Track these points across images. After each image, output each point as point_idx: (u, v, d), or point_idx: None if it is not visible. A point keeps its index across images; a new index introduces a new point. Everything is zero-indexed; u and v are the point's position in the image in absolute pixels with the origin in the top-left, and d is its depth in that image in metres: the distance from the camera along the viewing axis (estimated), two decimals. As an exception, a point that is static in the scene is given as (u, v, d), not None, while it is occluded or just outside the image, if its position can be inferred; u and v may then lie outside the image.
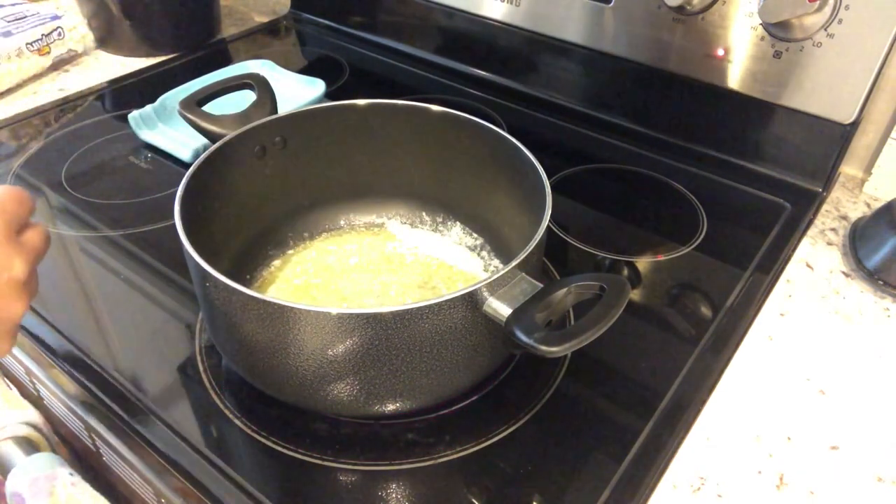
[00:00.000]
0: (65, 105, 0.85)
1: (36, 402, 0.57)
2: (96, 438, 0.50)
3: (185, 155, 0.74)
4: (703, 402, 0.50)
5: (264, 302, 0.40)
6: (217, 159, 0.52)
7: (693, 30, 0.71)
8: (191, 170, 0.49)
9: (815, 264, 0.64)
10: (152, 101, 0.80)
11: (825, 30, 0.64)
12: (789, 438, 0.48)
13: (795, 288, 0.61)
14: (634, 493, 0.44)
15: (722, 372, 0.53)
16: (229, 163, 0.54)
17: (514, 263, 0.42)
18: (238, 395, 0.50)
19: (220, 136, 0.54)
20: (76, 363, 0.52)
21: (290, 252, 0.60)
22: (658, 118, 0.79)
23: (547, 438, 0.48)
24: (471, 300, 0.41)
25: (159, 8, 0.95)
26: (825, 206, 0.71)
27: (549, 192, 0.48)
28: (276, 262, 0.59)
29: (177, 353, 0.54)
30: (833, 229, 0.68)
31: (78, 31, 0.95)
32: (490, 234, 0.61)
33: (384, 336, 0.40)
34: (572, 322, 0.55)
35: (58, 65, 0.93)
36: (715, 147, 0.76)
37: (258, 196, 0.58)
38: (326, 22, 1.04)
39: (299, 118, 0.58)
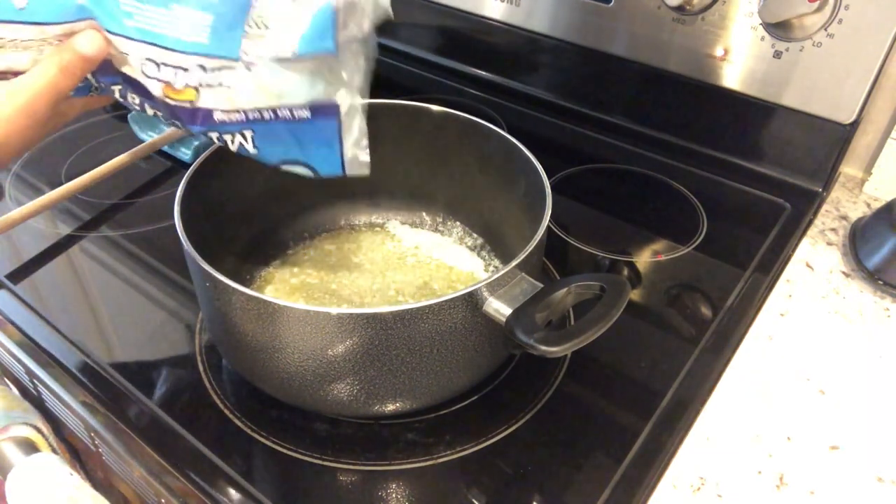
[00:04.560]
0: (65, 105, 0.85)
1: (36, 402, 0.57)
2: (96, 438, 0.50)
3: (185, 155, 0.74)
4: (703, 402, 0.50)
5: (264, 302, 0.40)
6: (217, 159, 0.52)
7: (693, 30, 0.71)
8: (191, 170, 0.49)
9: (815, 264, 0.64)
10: (152, 101, 0.80)
11: (825, 30, 0.64)
12: (789, 438, 0.48)
13: (795, 288, 0.61)
14: (634, 493, 0.44)
15: (722, 372, 0.53)
16: (229, 163, 0.54)
17: (514, 263, 0.42)
18: (238, 395, 0.50)
19: (220, 136, 0.53)
20: (76, 363, 0.52)
21: (290, 252, 0.60)
22: (658, 118, 0.79)
23: (547, 438, 0.48)
24: (471, 300, 0.41)
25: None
26: (825, 206, 0.71)
27: (549, 192, 0.48)
28: (276, 262, 0.59)
29: (177, 353, 0.54)
30: (833, 229, 0.68)
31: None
32: (490, 234, 0.61)
33: (384, 336, 0.40)
34: (572, 322, 0.55)
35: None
36: (715, 147, 0.76)
37: (258, 196, 0.58)
38: (326, 22, 1.04)
39: (299, 118, 0.58)
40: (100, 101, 0.47)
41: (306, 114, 0.43)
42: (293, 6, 0.40)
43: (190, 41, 0.39)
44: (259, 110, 0.42)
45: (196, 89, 0.41)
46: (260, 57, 0.40)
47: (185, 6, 0.39)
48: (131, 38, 0.40)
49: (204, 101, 0.42)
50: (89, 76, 0.43)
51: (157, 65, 0.41)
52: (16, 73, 0.41)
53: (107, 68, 0.42)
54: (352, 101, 0.44)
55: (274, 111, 0.42)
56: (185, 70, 0.40)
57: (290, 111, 0.42)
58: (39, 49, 0.40)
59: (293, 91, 0.42)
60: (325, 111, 0.43)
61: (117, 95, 0.44)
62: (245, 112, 0.42)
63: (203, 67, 0.40)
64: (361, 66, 0.44)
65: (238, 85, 0.41)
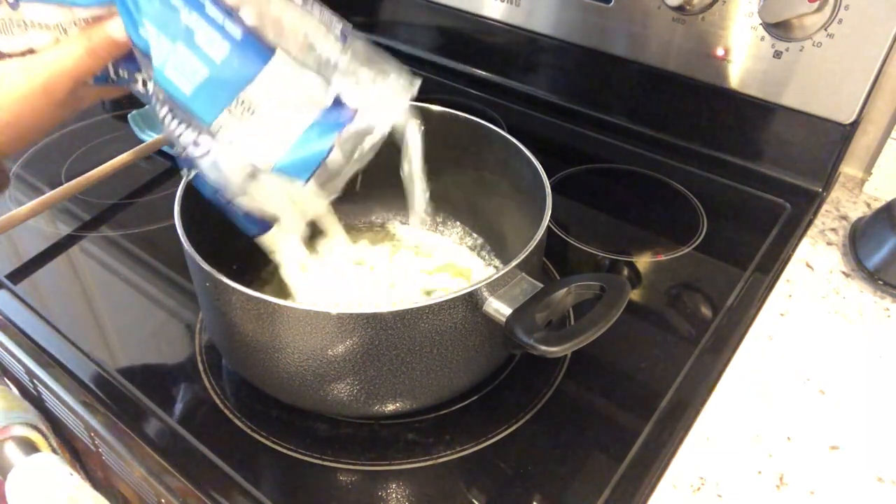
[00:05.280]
0: (65, 105, 0.85)
1: (36, 402, 0.57)
2: (96, 438, 0.50)
3: (185, 155, 0.74)
4: (703, 402, 0.50)
5: (264, 301, 0.40)
6: (217, 159, 0.52)
7: (693, 30, 0.71)
8: (191, 170, 0.49)
9: (815, 264, 0.64)
10: (152, 101, 0.80)
11: (825, 30, 0.64)
12: (789, 438, 0.48)
13: (795, 288, 0.61)
14: (634, 493, 0.44)
15: (722, 372, 0.53)
16: (229, 163, 0.54)
17: (514, 263, 0.42)
18: (238, 395, 0.50)
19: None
20: (76, 363, 0.52)
21: (290, 252, 0.60)
22: (658, 118, 0.79)
23: (547, 438, 0.48)
24: (471, 300, 0.41)
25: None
26: (825, 206, 0.71)
27: (549, 192, 0.48)
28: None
29: (177, 353, 0.54)
30: (833, 229, 0.68)
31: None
32: (490, 234, 0.61)
33: (384, 336, 0.40)
34: (572, 322, 0.55)
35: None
36: (715, 147, 0.76)
37: (258, 196, 0.58)
38: (326, 22, 1.04)
39: (299, 118, 0.57)
40: (116, 91, 0.45)
41: (240, 212, 0.42)
42: (282, 111, 0.38)
43: (173, 82, 0.38)
44: (206, 178, 0.41)
45: (163, 119, 0.40)
46: (229, 136, 0.39)
47: (189, 50, 0.38)
48: (136, 46, 0.39)
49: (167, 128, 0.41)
50: (109, 65, 0.41)
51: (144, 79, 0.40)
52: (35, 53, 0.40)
53: (133, 55, 0.41)
54: (293, 226, 0.43)
55: (215, 188, 0.41)
56: (157, 100, 0.39)
57: (229, 201, 0.41)
58: (63, 30, 0.39)
59: (238, 194, 0.41)
60: (258, 221, 0.42)
61: (139, 86, 0.42)
62: (193, 165, 0.41)
63: (172, 112, 0.39)
64: (322, 196, 0.43)
65: (195, 147, 0.39)
